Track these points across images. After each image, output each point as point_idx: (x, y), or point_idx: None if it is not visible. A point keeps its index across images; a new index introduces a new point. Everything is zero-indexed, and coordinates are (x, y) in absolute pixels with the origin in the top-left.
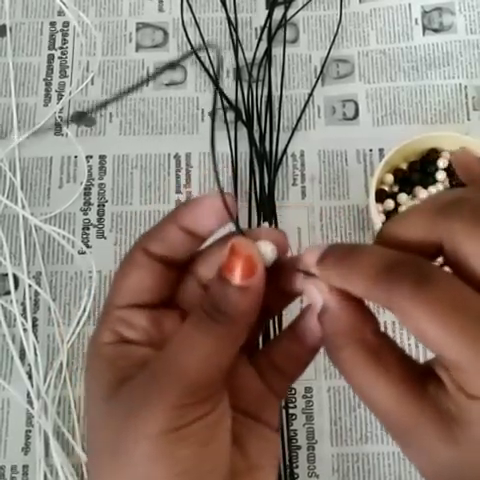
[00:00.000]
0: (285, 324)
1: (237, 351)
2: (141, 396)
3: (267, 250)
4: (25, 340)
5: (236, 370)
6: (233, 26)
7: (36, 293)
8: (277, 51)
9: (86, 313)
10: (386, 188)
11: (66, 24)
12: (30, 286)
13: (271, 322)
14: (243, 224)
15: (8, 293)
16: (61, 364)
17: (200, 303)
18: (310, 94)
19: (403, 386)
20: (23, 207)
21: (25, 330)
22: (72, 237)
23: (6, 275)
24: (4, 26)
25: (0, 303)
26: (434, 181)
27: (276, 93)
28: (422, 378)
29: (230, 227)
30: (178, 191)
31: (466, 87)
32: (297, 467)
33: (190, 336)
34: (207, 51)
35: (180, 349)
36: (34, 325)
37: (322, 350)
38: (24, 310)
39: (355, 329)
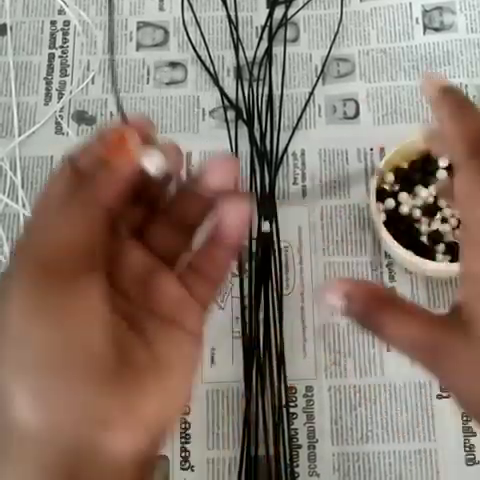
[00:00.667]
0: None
1: (102, 232)
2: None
3: (154, 156)
4: None
5: (154, 275)
6: (234, 25)
7: None
8: (278, 50)
9: None
10: (387, 187)
11: (67, 23)
12: None
13: (271, 317)
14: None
15: None
16: None
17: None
18: (311, 93)
19: (429, 318)
20: (23, 206)
21: None
22: None
23: None
24: (4, 25)
25: None
26: (435, 180)
27: (277, 92)
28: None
29: None
30: None
31: (467, 86)
32: (298, 466)
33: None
34: (207, 50)
35: (38, 220)
36: None
37: (322, 348)
38: None
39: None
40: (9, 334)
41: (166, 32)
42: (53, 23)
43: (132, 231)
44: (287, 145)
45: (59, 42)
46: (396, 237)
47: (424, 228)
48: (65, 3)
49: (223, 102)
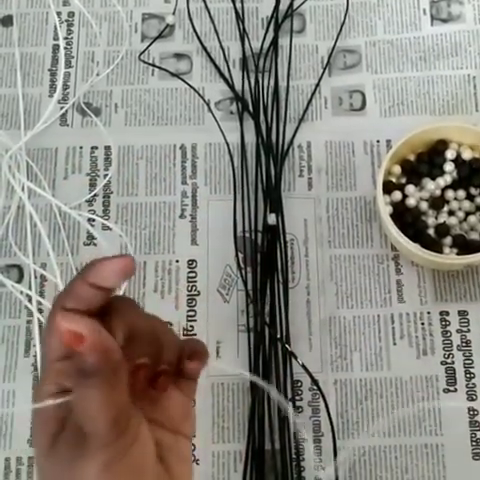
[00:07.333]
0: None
1: (124, 388)
2: (74, 446)
3: None
4: (30, 332)
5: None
6: (240, 16)
7: (42, 284)
8: (284, 41)
9: None
10: (393, 179)
11: (71, 14)
12: (36, 277)
13: (277, 310)
14: (249, 219)
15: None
16: None
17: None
18: (317, 85)
19: None
20: (28, 198)
21: (30, 322)
22: (77, 228)
23: (12, 266)
24: (10, 16)
25: (5, 293)
26: (442, 172)
27: (283, 84)
28: None
29: None
30: (184, 182)
31: (474, 77)
32: (303, 460)
33: (83, 397)
34: (213, 41)
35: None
36: None
37: (328, 341)
38: (29, 301)
39: None
40: None
41: (171, 23)
42: (58, 14)
43: None
44: (293, 137)
45: (64, 33)
46: (403, 230)
47: (431, 221)
48: None
49: (233, 94)
